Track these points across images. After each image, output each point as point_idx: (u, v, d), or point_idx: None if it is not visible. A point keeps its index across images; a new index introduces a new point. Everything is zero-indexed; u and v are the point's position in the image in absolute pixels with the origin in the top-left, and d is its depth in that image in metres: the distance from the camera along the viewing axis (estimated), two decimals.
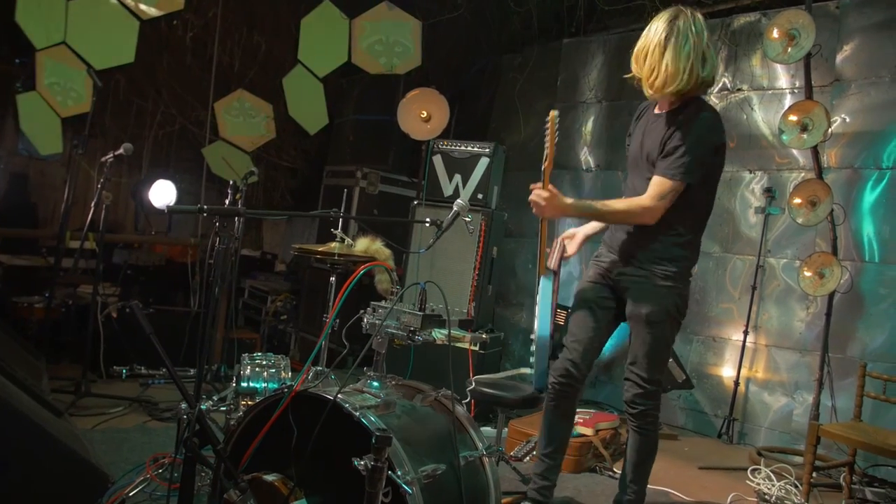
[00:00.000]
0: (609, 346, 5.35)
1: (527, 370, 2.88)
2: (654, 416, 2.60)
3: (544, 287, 2.66)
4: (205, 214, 2.02)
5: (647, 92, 2.49)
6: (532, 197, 2.53)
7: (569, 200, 2.58)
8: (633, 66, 2.53)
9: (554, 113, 2.53)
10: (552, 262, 2.76)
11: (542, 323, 2.64)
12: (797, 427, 4.30)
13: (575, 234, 2.86)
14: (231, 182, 3.79)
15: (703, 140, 2.42)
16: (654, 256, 2.55)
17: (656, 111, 2.60)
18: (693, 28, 2.37)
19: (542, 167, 2.55)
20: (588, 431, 3.64)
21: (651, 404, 2.58)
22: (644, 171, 2.57)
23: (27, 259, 4.93)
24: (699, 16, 2.42)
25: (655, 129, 2.54)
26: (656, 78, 2.41)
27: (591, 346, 2.67)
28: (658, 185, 2.44)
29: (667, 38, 2.38)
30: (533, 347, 2.69)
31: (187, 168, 6.03)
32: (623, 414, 4.27)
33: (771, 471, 3.65)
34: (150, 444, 3.19)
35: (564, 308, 5.13)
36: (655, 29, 2.43)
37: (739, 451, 4.29)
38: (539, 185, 2.53)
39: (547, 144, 2.52)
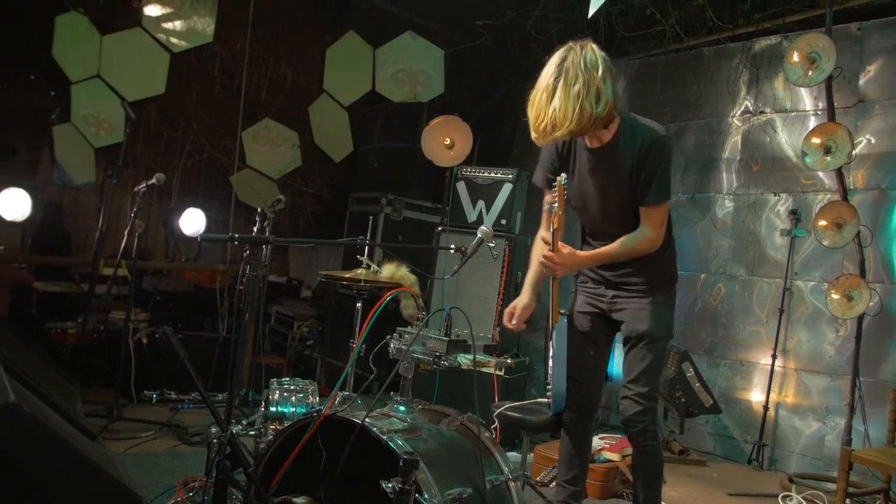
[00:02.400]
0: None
1: (543, 400, 2.87)
2: (654, 431, 2.59)
3: (559, 334, 2.63)
4: (236, 243, 2.08)
5: (534, 136, 2.45)
6: (545, 262, 2.50)
7: (580, 256, 2.57)
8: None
9: (561, 178, 2.46)
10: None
11: (557, 374, 2.60)
12: (829, 453, 4.22)
13: (515, 308, 2.75)
14: (259, 209, 3.86)
15: (668, 161, 2.49)
16: (648, 278, 2.60)
17: (589, 145, 2.55)
18: (582, 65, 2.32)
19: (552, 230, 2.51)
20: (615, 457, 3.62)
21: (650, 420, 2.57)
22: (611, 208, 2.58)
23: (61, 286, 5.05)
24: (592, 49, 2.37)
25: (606, 164, 2.53)
26: (541, 122, 2.37)
27: (596, 375, 2.73)
28: (655, 214, 2.50)
29: (555, 81, 2.34)
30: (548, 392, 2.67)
31: (216, 196, 6.16)
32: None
33: (803, 498, 3.59)
34: (181, 467, 3.23)
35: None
36: (545, 73, 2.40)
37: (770, 478, 4.22)
38: (548, 248, 2.50)
39: (556, 207, 2.46)
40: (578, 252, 2.56)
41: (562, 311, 2.66)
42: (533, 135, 2.45)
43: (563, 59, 2.37)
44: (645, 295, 2.60)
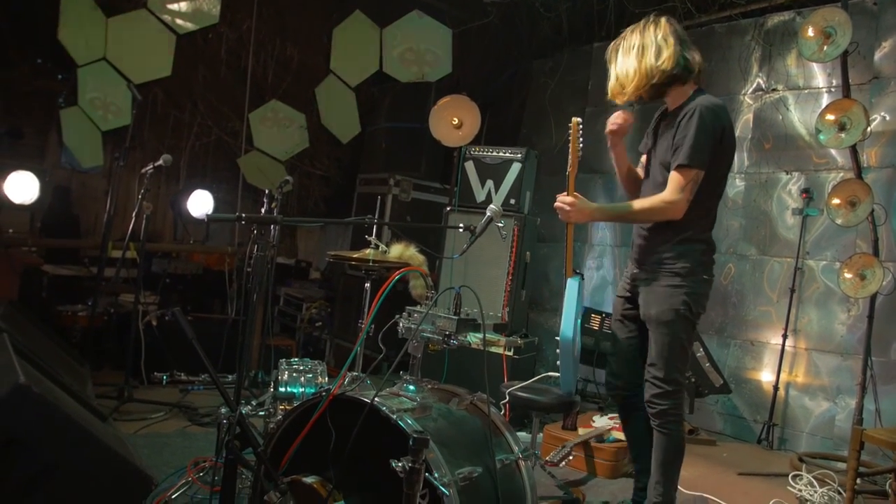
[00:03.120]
0: None
1: (554, 374, 2.88)
2: (676, 415, 2.58)
3: (570, 288, 2.68)
4: (243, 223, 2.07)
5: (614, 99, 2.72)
6: (557, 203, 2.59)
7: (594, 205, 2.63)
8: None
9: (576, 120, 2.61)
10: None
11: (565, 324, 2.64)
12: (840, 432, 4.20)
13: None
14: (266, 191, 3.85)
15: (704, 127, 2.47)
16: (659, 258, 2.61)
17: (666, 112, 2.73)
18: (642, 34, 2.59)
19: (567, 173, 2.62)
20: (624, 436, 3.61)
21: (670, 403, 2.56)
22: (657, 176, 2.66)
23: (71, 269, 5.07)
24: (656, 21, 2.60)
25: (666, 128, 2.67)
26: (610, 83, 2.69)
27: (628, 356, 2.78)
28: (673, 178, 2.50)
29: (617, 51, 2.68)
30: (559, 350, 2.70)
31: (223, 178, 6.15)
32: None
33: (813, 477, 3.58)
34: (191, 448, 3.25)
35: (599, 313, 5.11)
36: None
37: (780, 457, 4.21)
38: (564, 192, 2.60)
39: (570, 151, 2.60)
40: (589, 202, 2.60)
41: (577, 271, 2.71)
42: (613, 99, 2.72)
43: (630, 31, 2.63)
44: (657, 277, 2.60)
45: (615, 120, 2.72)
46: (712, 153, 2.49)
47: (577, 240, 5.73)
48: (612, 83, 2.68)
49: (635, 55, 2.57)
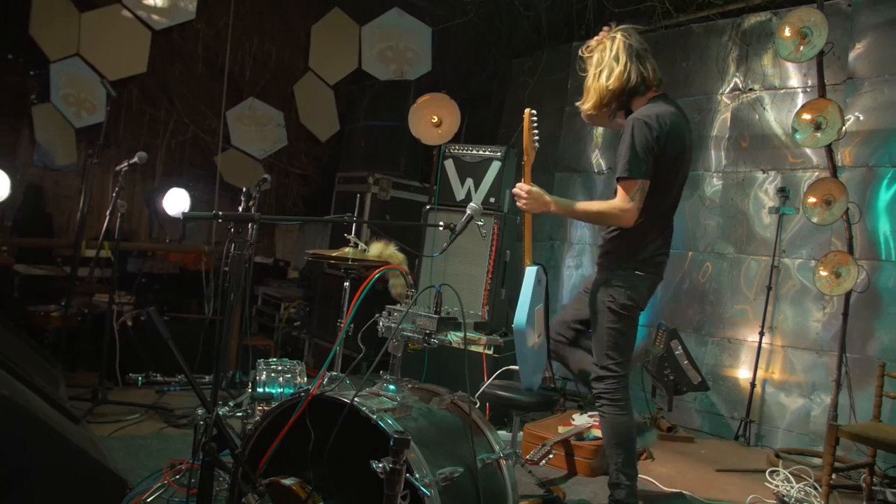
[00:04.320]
0: None
1: (514, 367, 2.88)
2: (611, 399, 2.71)
3: (528, 277, 2.71)
4: (220, 221, 2.03)
5: (587, 107, 2.78)
6: (515, 190, 2.71)
7: (550, 197, 2.71)
8: None
9: (529, 111, 2.71)
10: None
11: (519, 313, 2.65)
12: (815, 428, 4.26)
13: None
14: (244, 189, 3.80)
15: (634, 139, 2.59)
16: (600, 253, 2.83)
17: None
18: (601, 52, 2.71)
19: (522, 162, 2.74)
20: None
21: (603, 387, 2.71)
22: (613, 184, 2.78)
23: (43, 268, 4.97)
24: (612, 38, 2.71)
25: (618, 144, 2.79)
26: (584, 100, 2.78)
27: (565, 316, 3.04)
28: (619, 190, 2.64)
29: (584, 63, 2.81)
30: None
31: (200, 176, 6.07)
32: (637, 416, 4.25)
33: (789, 473, 3.62)
34: (167, 450, 3.20)
35: None
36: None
37: (757, 454, 4.25)
38: (521, 181, 2.71)
39: (524, 142, 2.71)
40: (547, 194, 2.70)
41: (536, 262, 2.76)
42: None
43: (595, 44, 2.76)
44: (598, 272, 2.82)
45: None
46: (644, 161, 2.58)
47: (556, 238, 5.74)
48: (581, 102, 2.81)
49: (593, 74, 2.72)
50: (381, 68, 5.66)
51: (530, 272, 2.71)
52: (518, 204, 2.70)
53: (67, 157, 5.31)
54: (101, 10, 4.97)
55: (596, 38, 2.76)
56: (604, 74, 2.68)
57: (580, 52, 2.81)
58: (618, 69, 2.65)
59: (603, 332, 2.72)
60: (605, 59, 2.68)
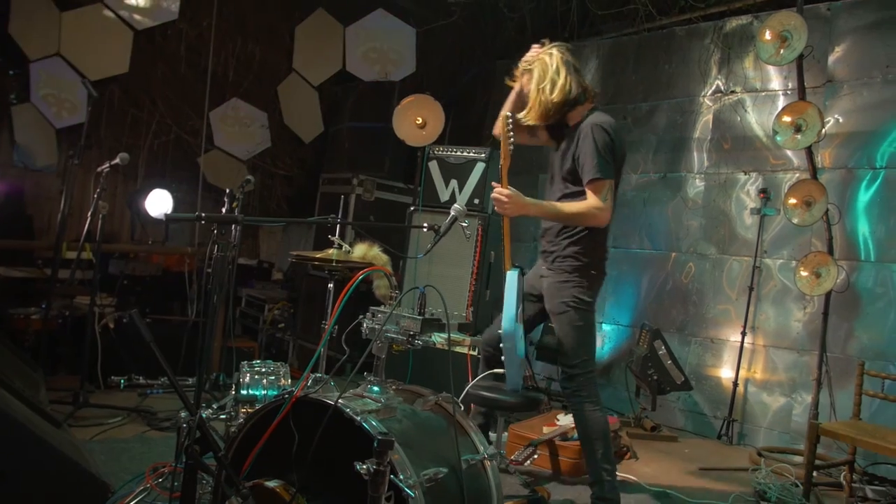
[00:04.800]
0: (606, 350, 5.38)
1: (500, 370, 2.92)
2: (586, 395, 2.81)
3: (510, 282, 2.76)
4: (203, 222, 2.02)
5: (533, 118, 2.91)
6: (494, 195, 2.75)
7: (529, 200, 2.79)
8: None
9: (504, 114, 2.78)
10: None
11: (507, 318, 2.71)
12: (796, 427, 4.30)
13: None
14: (227, 190, 3.78)
15: (597, 143, 2.75)
16: (557, 256, 2.89)
17: (567, 126, 2.96)
18: (542, 66, 2.86)
19: (500, 166, 2.78)
20: None
21: (576, 385, 2.82)
22: (557, 181, 2.94)
23: (23, 271, 4.91)
24: (550, 53, 2.87)
25: (563, 147, 2.93)
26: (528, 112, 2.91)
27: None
28: (591, 191, 2.75)
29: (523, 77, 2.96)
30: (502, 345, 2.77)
31: (183, 177, 6.02)
32: (621, 416, 4.30)
33: (771, 471, 3.66)
34: (150, 453, 3.17)
35: None
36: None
37: (739, 452, 4.29)
38: (499, 184, 2.77)
39: (501, 146, 2.78)
40: (525, 197, 2.78)
41: (515, 265, 2.81)
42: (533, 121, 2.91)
43: (533, 58, 2.91)
44: (556, 273, 2.88)
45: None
46: (610, 164, 2.75)
47: (536, 239, 5.75)
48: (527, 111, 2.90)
49: (537, 89, 2.85)
50: (366, 69, 5.65)
51: (511, 276, 2.76)
52: (497, 208, 2.75)
53: (48, 157, 5.25)
54: (82, 10, 4.92)
55: (531, 53, 2.92)
56: (547, 88, 2.82)
57: (520, 64, 2.94)
58: (560, 82, 2.81)
59: (570, 331, 2.82)
60: (548, 74, 2.82)
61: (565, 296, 2.82)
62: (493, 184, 2.79)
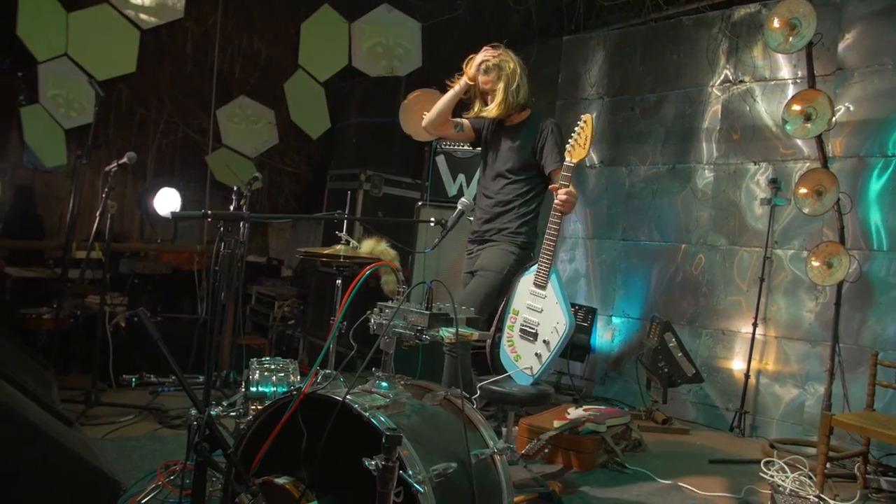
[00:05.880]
0: (617, 343, 5.35)
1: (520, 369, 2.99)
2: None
3: (557, 277, 2.96)
4: (209, 220, 2.02)
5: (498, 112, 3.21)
6: (569, 198, 2.92)
7: None
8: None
9: (590, 116, 2.97)
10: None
11: (568, 312, 2.88)
12: (809, 418, 4.27)
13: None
14: (235, 188, 3.79)
15: (557, 136, 3.20)
16: (514, 229, 3.22)
17: (507, 124, 3.32)
18: (508, 67, 3.21)
19: (572, 163, 2.95)
20: (600, 428, 3.63)
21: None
22: (500, 168, 3.26)
23: (34, 271, 4.94)
24: (508, 55, 3.25)
25: (508, 140, 3.28)
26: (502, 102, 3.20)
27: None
28: (562, 175, 3.00)
29: (492, 72, 3.23)
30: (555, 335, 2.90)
31: (191, 176, 6.04)
32: (632, 409, 4.27)
33: (784, 463, 3.63)
34: (162, 451, 3.19)
35: (573, 305, 5.13)
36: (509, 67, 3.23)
37: (752, 444, 4.27)
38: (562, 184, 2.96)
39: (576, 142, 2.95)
40: None
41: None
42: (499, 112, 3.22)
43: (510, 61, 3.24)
44: (498, 242, 3.20)
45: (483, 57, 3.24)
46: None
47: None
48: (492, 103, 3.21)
49: (510, 89, 3.17)
50: (372, 64, 5.63)
51: (557, 273, 2.96)
52: (567, 210, 2.94)
53: (57, 158, 5.28)
54: (88, 10, 4.94)
55: (491, 52, 3.22)
56: (516, 89, 3.17)
57: (477, 64, 3.22)
58: (524, 87, 3.21)
59: (482, 288, 3.14)
60: (517, 75, 3.17)
61: (513, 267, 3.12)
62: (571, 191, 2.93)
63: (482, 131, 3.43)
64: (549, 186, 3.12)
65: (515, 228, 3.20)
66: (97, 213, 3.93)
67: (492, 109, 3.18)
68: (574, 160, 2.92)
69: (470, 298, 3.05)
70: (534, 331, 2.93)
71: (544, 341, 2.88)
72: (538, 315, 2.93)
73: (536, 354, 2.93)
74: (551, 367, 3.00)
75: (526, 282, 3.00)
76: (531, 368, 2.95)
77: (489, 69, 3.19)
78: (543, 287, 2.93)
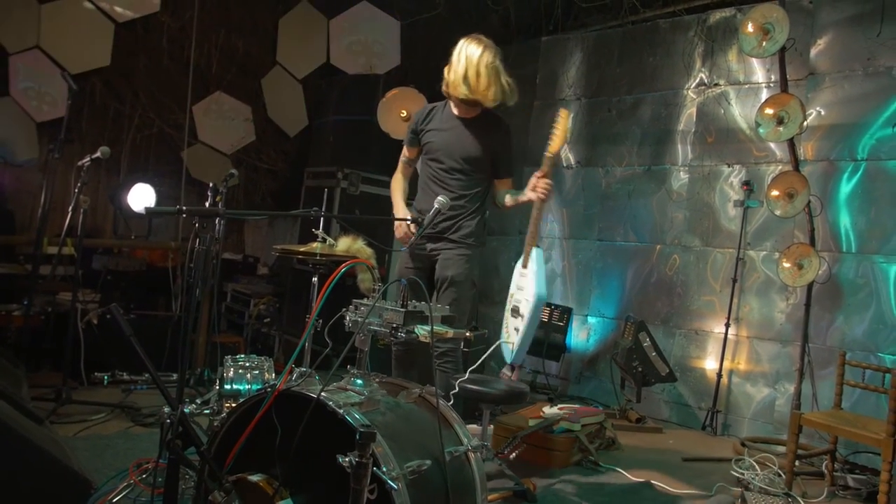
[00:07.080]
0: (592, 342, 5.39)
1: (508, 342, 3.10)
2: (453, 358, 3.18)
3: (539, 255, 3.08)
4: (184, 216, 2.01)
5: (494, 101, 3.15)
6: (548, 187, 3.04)
7: None
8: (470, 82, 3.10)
9: (566, 112, 3.09)
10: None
11: (539, 284, 2.97)
12: (779, 417, 4.35)
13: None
14: (211, 184, 3.76)
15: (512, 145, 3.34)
16: (464, 233, 3.24)
17: (457, 113, 3.25)
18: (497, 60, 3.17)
19: (547, 155, 3.06)
20: (574, 427, 3.66)
21: (448, 346, 3.15)
22: (452, 162, 3.22)
23: (4, 267, 4.85)
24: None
25: (465, 133, 3.23)
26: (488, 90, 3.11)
27: None
28: (512, 182, 3.30)
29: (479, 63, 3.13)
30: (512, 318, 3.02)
31: (166, 172, 5.97)
32: (606, 408, 4.31)
33: (755, 461, 3.69)
34: (134, 449, 3.15)
35: (549, 305, 5.17)
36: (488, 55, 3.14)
37: (723, 443, 4.33)
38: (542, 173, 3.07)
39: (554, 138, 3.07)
40: None
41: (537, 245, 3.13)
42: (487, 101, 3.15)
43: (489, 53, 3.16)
44: (459, 248, 3.20)
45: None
46: None
47: (525, 232, 5.76)
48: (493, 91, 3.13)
49: (505, 79, 3.15)
50: (350, 62, 5.62)
51: (538, 252, 3.07)
52: (543, 197, 3.04)
53: (28, 152, 5.19)
54: (61, 2, 4.86)
55: (475, 43, 3.15)
56: (497, 89, 3.13)
57: (488, 52, 3.15)
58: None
59: (465, 302, 3.19)
60: (501, 69, 3.13)
61: (469, 271, 3.19)
62: (549, 182, 3.05)
63: (418, 129, 3.39)
64: (535, 174, 3.10)
65: (474, 228, 3.24)
66: (69, 209, 3.87)
67: (488, 97, 3.11)
68: (551, 152, 3.05)
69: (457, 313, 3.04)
70: (518, 307, 3.08)
71: (521, 315, 3.03)
72: (521, 293, 3.08)
73: (515, 329, 3.08)
74: (529, 341, 3.11)
75: (518, 265, 3.17)
76: (513, 344, 3.09)
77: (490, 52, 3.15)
78: (527, 266, 3.09)
